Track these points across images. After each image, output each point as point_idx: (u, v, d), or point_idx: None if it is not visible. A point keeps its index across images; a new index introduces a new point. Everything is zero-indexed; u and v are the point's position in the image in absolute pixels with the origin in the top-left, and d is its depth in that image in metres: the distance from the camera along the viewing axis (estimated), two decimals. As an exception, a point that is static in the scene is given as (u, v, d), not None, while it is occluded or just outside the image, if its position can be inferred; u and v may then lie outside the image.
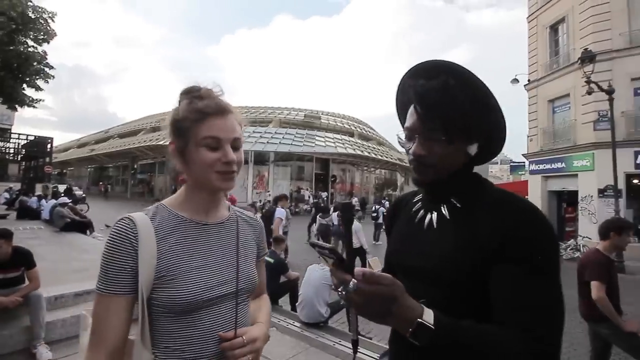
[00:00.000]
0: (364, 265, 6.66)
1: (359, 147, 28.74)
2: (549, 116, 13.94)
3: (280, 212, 6.90)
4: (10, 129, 20.98)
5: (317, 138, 26.77)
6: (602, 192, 11.24)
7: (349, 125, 34.57)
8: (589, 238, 10.69)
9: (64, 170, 46.62)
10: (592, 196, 11.61)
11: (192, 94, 0.83)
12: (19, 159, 21.28)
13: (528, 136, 14.91)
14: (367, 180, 34.30)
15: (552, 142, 13.54)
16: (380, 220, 11.77)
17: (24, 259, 3.08)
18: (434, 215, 0.83)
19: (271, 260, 4.34)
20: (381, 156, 30.40)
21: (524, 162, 19.09)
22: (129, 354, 0.76)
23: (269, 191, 22.75)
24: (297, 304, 4.04)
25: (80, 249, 6.10)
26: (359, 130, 34.09)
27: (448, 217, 0.80)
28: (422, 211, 0.88)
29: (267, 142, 24.33)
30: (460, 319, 0.64)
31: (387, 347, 0.93)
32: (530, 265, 0.66)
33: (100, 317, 0.74)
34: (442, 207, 0.82)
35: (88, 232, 8.39)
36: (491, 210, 0.73)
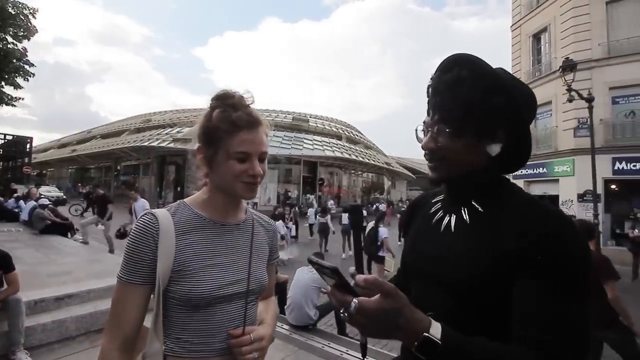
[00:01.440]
0: (369, 268, 6.56)
1: (347, 150, 28.85)
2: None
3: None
4: (-14, 128, 20.19)
5: (305, 141, 26.76)
6: (581, 197, 11.62)
7: (337, 129, 34.69)
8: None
9: (44, 171, 45.18)
10: (572, 201, 11.98)
11: (225, 102, 0.86)
12: (-5, 158, 20.54)
13: (511, 142, 15.29)
14: (354, 184, 34.45)
15: (535, 148, 13.90)
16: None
17: (1, 262, 2.96)
18: (453, 218, 0.79)
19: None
20: (368, 160, 30.59)
21: (507, 167, 19.53)
22: (143, 339, 0.81)
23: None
24: (285, 306, 4.01)
25: (61, 251, 5.91)
26: (346, 133, 34.22)
27: (468, 222, 0.75)
28: (440, 212, 0.84)
29: (255, 144, 24.13)
30: (473, 333, 0.61)
31: (394, 355, 0.93)
32: (558, 280, 0.61)
33: (119, 304, 0.80)
34: (462, 210, 0.78)
35: (69, 234, 8.14)
36: (516, 216, 0.68)
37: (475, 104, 0.71)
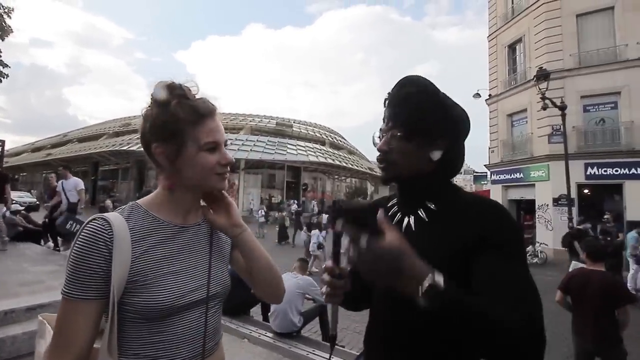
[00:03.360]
0: None
1: (330, 155, 29.01)
2: (508, 129, 14.85)
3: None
4: (-47, 131, 19.20)
5: (288, 146, 26.72)
6: (556, 201, 12.08)
7: (321, 134, 34.86)
8: (546, 244, 11.39)
9: (16, 176, 43.24)
10: (547, 205, 12.44)
11: (177, 92, 0.79)
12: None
13: (489, 148, 15.79)
14: (338, 189, 34.62)
15: (511, 154, 14.40)
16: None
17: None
18: (412, 218, 0.89)
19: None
20: (352, 165, 30.84)
21: (486, 173, 20.12)
22: None
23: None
24: (269, 313, 3.96)
25: (33, 259, 5.64)
26: (330, 139, 34.44)
27: (426, 220, 0.86)
28: (398, 215, 0.93)
29: (238, 149, 23.95)
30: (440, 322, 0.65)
31: (358, 353, 0.95)
32: (508, 250, 0.73)
33: (67, 324, 0.69)
34: (419, 211, 0.88)
35: (42, 241, 7.80)
36: (468, 209, 0.81)
37: (421, 113, 0.84)
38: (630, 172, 11.20)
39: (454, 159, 0.89)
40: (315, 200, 25.97)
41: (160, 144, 0.78)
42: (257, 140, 26.22)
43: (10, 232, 7.35)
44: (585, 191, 12.23)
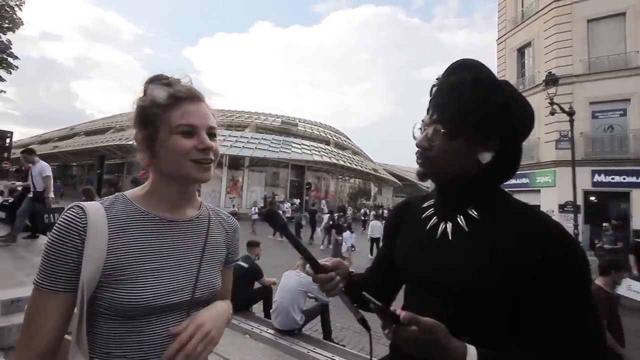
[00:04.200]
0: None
1: (335, 155, 28.96)
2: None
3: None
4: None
5: (293, 145, 26.72)
6: (562, 208, 11.98)
7: (326, 134, 34.82)
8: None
9: (23, 167, 43.67)
10: (553, 211, 12.32)
11: (159, 81, 0.77)
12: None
13: (496, 152, 15.67)
14: (341, 189, 34.55)
15: (518, 159, 14.27)
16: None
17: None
18: (449, 225, 0.79)
19: (245, 265, 4.26)
20: (356, 165, 30.75)
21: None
22: (64, 354, 0.68)
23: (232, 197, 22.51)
24: (271, 310, 3.98)
25: (38, 250, 5.70)
26: (335, 139, 34.38)
27: (466, 230, 0.75)
28: (434, 218, 0.83)
29: (243, 146, 23.99)
30: (473, 340, 0.65)
31: (360, 354, 0.94)
32: (572, 292, 0.64)
33: (35, 315, 0.67)
34: (458, 218, 0.77)
35: (48, 233, 7.87)
36: (521, 227, 0.69)
37: (473, 108, 0.72)
38: (638, 180, 11.09)
39: (508, 162, 0.77)
40: (326, 200, 25.96)
41: (139, 130, 0.76)
42: (262, 138, 26.25)
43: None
44: (592, 198, 12.11)
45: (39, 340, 0.66)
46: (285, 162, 25.88)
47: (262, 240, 5.15)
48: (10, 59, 8.83)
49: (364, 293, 0.80)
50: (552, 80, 9.32)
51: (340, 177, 33.53)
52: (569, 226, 10.72)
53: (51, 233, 0.68)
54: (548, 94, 9.31)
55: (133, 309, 0.68)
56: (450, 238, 0.78)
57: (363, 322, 0.79)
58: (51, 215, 5.85)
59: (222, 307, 0.83)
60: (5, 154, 19.28)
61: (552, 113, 9.50)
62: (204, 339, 0.71)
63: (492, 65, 16.53)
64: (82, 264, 0.66)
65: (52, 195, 5.93)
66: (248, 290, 4.34)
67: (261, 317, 4.31)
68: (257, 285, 4.52)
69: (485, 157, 0.74)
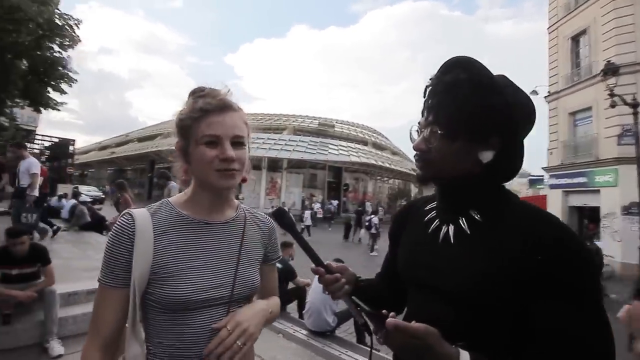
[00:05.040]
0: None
1: (373, 156, 28.61)
2: (570, 129, 13.57)
3: None
4: (34, 131, 21.83)
5: (330, 146, 26.80)
6: (626, 210, 10.80)
7: (363, 134, 34.53)
8: (612, 257, 10.26)
9: (85, 172, 48.11)
10: (615, 213, 11.17)
11: (197, 94, 0.83)
12: (43, 159, 22.09)
13: (548, 149, 14.55)
14: (380, 190, 34.04)
15: (574, 156, 13.14)
16: (374, 231, 12.15)
17: (40, 256, 3.16)
18: (451, 228, 0.76)
19: (279, 266, 4.33)
20: (395, 166, 30.16)
21: (542, 176, 18.60)
22: (124, 342, 0.78)
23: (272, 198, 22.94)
24: (304, 311, 4.00)
25: (96, 248, 6.22)
26: (373, 139, 33.99)
27: (468, 232, 0.73)
28: (436, 222, 0.81)
29: (281, 148, 24.50)
30: (474, 345, 0.63)
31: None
32: (581, 300, 0.61)
33: (98, 306, 0.77)
34: (460, 220, 0.75)
35: (104, 232, 8.58)
36: (525, 229, 0.66)
37: (469, 107, 0.69)
38: None
39: (510, 160, 0.74)
40: (370, 202, 25.80)
41: (178, 140, 0.84)
42: (300, 140, 26.64)
43: (80, 222, 8.21)
44: (662, 199, 10.81)
45: (103, 328, 0.76)
46: (322, 163, 26.04)
47: (333, 241, 5.19)
48: (70, 74, 9.82)
49: (352, 297, 0.80)
50: (611, 70, 8.47)
51: (378, 177, 33.08)
52: (634, 230, 9.67)
53: (109, 237, 0.78)
54: (607, 85, 8.48)
55: (177, 303, 0.76)
56: (452, 241, 0.75)
57: (366, 327, 0.77)
58: (29, 216, 5.18)
59: (262, 305, 0.88)
60: (69, 160, 21.47)
61: (613, 105, 8.65)
62: (243, 335, 0.77)
63: (543, 56, 15.43)
64: (132, 264, 0.75)
65: (35, 193, 5.37)
66: (282, 290, 4.41)
67: (295, 318, 4.36)
68: (291, 285, 4.58)
69: (486, 156, 0.71)
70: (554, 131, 14.24)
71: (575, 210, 13.35)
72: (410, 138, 0.82)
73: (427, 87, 0.77)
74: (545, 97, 14.79)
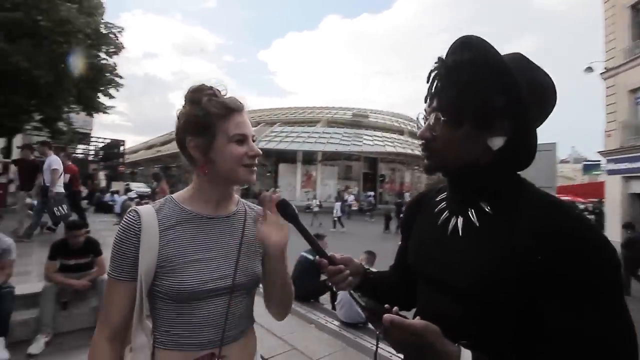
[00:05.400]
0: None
1: (409, 145, 27.83)
2: (630, 108, 12.27)
3: None
4: (89, 134, 23.77)
5: (365, 137, 26.46)
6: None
7: (399, 123, 33.66)
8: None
9: (135, 170, 51.66)
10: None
11: (207, 92, 0.85)
12: (97, 159, 24.08)
13: (605, 131, 13.27)
14: (418, 180, 33.06)
15: (635, 138, 11.86)
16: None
17: (93, 248, 3.45)
18: (460, 220, 0.73)
19: (311, 258, 4.38)
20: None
21: (599, 161, 17.03)
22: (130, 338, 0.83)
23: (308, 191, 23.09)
24: (336, 302, 4.03)
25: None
26: (409, 128, 32.98)
27: (477, 225, 0.70)
28: (446, 212, 0.78)
29: (315, 141, 24.62)
30: (482, 341, 0.62)
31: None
32: (595, 299, 0.55)
33: (108, 298, 0.82)
34: (469, 212, 0.71)
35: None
36: (532, 218, 0.62)
37: (472, 90, 0.65)
38: None
39: (524, 146, 0.68)
40: (409, 193, 25.33)
41: (194, 138, 0.84)
42: (334, 132, 26.58)
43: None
44: None
45: (112, 318, 0.81)
46: (357, 154, 25.82)
47: (372, 233, 5.20)
48: (117, 79, 10.53)
49: (351, 291, 0.80)
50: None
51: (416, 167, 32.15)
52: None
53: (116, 233, 0.81)
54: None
55: (182, 294, 0.79)
56: (460, 234, 0.72)
57: (371, 321, 0.75)
58: (60, 208, 5.28)
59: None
60: (120, 160, 23.32)
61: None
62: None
63: (598, 28, 14.00)
64: (139, 258, 0.78)
65: (57, 189, 5.44)
66: (315, 282, 4.46)
67: (328, 309, 4.40)
68: (323, 277, 4.62)
69: (496, 142, 0.67)
70: (611, 111, 12.93)
71: (637, 198, 12.10)
72: (417, 126, 0.78)
73: (431, 71, 0.73)
74: (601, 73, 13.45)
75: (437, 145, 0.72)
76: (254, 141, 0.88)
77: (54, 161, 5.49)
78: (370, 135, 27.09)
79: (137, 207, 0.84)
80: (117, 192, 12.16)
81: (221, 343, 0.83)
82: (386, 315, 0.60)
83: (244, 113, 0.87)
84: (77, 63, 8.71)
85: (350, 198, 21.51)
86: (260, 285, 0.96)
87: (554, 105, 0.70)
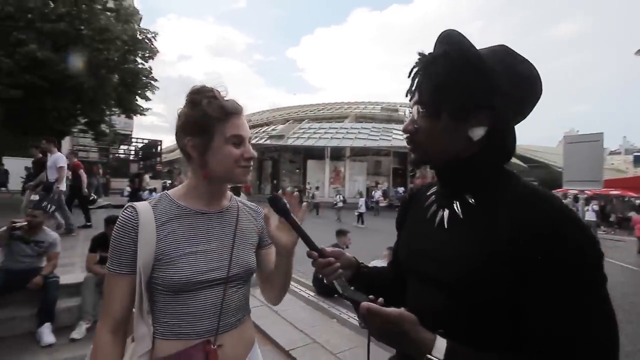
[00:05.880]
0: None
1: (441, 139, 26.94)
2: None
3: None
4: (130, 135, 25.21)
5: (394, 131, 25.94)
6: None
7: (430, 116, 32.68)
8: None
9: (171, 168, 54.08)
10: None
11: (207, 94, 0.88)
12: (137, 159, 25.49)
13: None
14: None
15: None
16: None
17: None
18: (446, 212, 0.74)
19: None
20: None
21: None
22: (132, 325, 0.86)
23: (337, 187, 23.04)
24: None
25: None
26: (441, 121, 31.97)
27: (461, 217, 0.71)
28: (434, 206, 0.80)
29: (343, 137, 24.53)
30: (468, 334, 0.62)
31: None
32: (576, 280, 0.55)
33: (108, 292, 0.85)
34: (454, 204, 0.73)
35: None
36: (513, 209, 0.62)
37: (447, 82, 0.66)
38: None
39: (506, 139, 0.70)
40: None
41: (192, 138, 0.87)
42: (362, 127, 26.35)
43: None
44: None
45: (113, 311, 0.84)
46: (386, 149, 25.44)
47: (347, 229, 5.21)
48: (152, 82, 11.08)
49: (333, 281, 0.83)
50: None
51: (447, 162, 31.11)
52: None
53: (114, 229, 0.85)
54: None
55: (179, 285, 0.83)
56: (445, 226, 0.73)
57: (355, 310, 0.77)
58: (49, 206, 5.15)
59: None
60: (158, 159, 24.60)
61: None
62: None
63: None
64: (137, 252, 0.82)
65: (63, 187, 5.51)
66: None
67: (349, 304, 4.41)
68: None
69: (476, 133, 0.67)
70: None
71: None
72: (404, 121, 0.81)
73: (412, 68, 0.75)
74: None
75: (419, 137, 0.74)
76: (250, 143, 0.92)
77: (60, 159, 5.48)
78: (399, 130, 26.53)
79: (133, 203, 0.88)
80: (154, 189, 12.80)
81: (217, 332, 0.86)
82: (363, 304, 0.63)
83: (241, 116, 0.90)
84: (116, 68, 9.27)
85: (377, 194, 21.29)
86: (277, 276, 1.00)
87: (539, 97, 0.69)
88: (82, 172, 6.52)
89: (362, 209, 14.76)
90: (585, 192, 6.59)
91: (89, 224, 6.41)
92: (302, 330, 3.34)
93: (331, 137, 24.56)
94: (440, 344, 0.59)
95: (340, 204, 16.39)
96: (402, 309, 0.62)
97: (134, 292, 0.83)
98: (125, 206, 0.87)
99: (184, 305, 0.84)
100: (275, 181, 29.33)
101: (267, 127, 30.47)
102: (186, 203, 0.92)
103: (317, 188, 21.88)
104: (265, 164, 30.56)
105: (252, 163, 0.91)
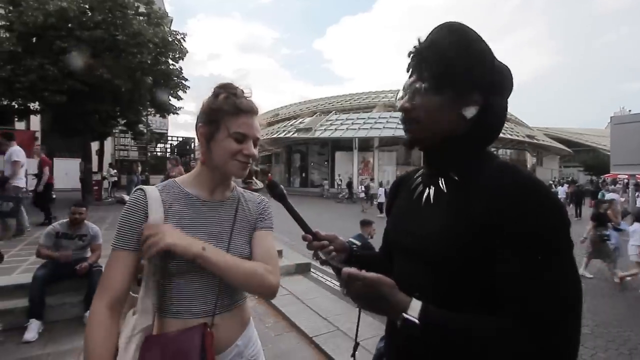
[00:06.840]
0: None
1: (474, 125, 25.78)
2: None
3: None
4: (166, 133, 26.44)
5: (424, 119, 25.22)
6: None
7: (462, 102, 31.32)
8: None
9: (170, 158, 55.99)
10: None
11: (229, 90, 0.96)
12: (172, 157, 26.81)
13: None
14: (486, 162, 30.63)
15: None
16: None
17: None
18: (432, 189, 0.79)
19: (358, 243, 4.42)
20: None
21: None
22: (129, 303, 0.90)
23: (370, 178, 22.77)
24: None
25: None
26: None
27: (445, 192, 0.76)
28: (420, 186, 0.85)
29: (371, 127, 24.19)
30: (456, 307, 0.64)
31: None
32: (539, 242, 0.60)
33: (109, 267, 0.88)
34: (440, 181, 0.78)
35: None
36: (488, 182, 0.67)
37: (453, 56, 0.71)
38: None
39: (492, 120, 0.75)
40: None
41: (203, 125, 0.96)
42: (390, 116, 25.79)
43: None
44: None
45: (112, 286, 0.86)
46: (416, 138, 24.73)
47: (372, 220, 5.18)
48: (183, 82, 11.51)
49: (318, 252, 0.90)
50: None
51: (484, 148, 29.75)
52: None
53: (124, 208, 0.90)
54: None
55: (177, 266, 0.88)
56: (431, 202, 0.78)
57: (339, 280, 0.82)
58: (5, 204, 4.80)
59: (235, 260, 0.91)
60: (192, 156, 25.71)
61: None
62: (156, 236, 0.83)
63: None
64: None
65: (19, 183, 5.17)
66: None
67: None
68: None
69: (470, 111, 0.73)
70: None
71: None
72: (396, 106, 0.84)
73: (410, 52, 0.79)
74: None
75: (416, 113, 0.76)
76: (256, 144, 0.97)
77: (15, 152, 5.21)
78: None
79: (142, 186, 0.94)
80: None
81: (214, 312, 0.92)
82: (344, 269, 0.67)
83: (253, 116, 0.96)
84: (150, 70, 9.71)
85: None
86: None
87: (511, 87, 0.77)
88: (46, 169, 6.29)
89: (382, 199, 14.64)
90: (637, 176, 6.09)
91: (46, 221, 6.19)
92: (325, 318, 3.42)
93: (359, 128, 24.31)
94: (415, 305, 0.63)
95: (362, 195, 16.50)
96: (380, 274, 0.65)
97: (135, 270, 0.89)
98: (135, 189, 0.94)
99: (183, 286, 0.90)
100: (304, 174, 29.58)
101: (294, 120, 30.73)
102: (191, 190, 0.98)
103: (371, 179, 21.70)
104: (294, 157, 30.89)
105: (250, 160, 0.95)
